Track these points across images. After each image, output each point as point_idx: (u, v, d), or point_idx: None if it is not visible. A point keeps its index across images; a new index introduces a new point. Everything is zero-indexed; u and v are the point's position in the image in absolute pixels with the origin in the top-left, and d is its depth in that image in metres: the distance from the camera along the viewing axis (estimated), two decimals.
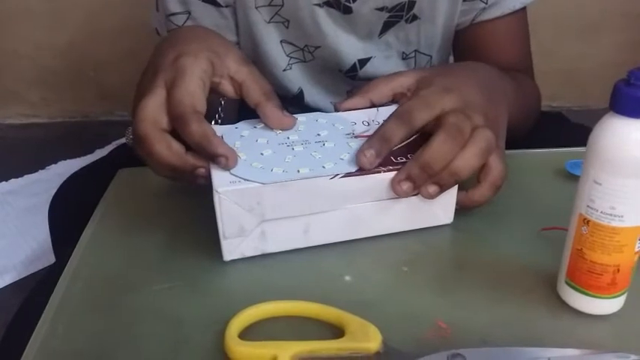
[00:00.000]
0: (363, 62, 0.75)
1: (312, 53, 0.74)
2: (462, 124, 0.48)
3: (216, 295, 0.47)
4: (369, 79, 0.76)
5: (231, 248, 0.48)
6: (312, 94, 0.79)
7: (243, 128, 0.53)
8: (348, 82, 0.77)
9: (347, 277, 0.48)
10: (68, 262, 0.50)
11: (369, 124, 0.53)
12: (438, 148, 0.47)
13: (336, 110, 0.55)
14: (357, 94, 0.56)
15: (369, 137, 0.49)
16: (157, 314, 0.44)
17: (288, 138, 0.51)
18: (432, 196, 0.49)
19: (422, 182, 0.48)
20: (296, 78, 0.77)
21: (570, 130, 0.77)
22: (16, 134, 1.95)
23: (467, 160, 0.48)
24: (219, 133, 0.52)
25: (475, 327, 0.43)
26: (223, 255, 0.48)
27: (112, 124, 1.98)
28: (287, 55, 0.74)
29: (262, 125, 0.53)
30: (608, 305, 0.43)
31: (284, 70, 0.75)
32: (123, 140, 0.59)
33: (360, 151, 0.48)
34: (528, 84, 0.74)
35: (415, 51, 0.76)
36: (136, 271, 0.49)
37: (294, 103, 0.78)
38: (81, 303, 0.46)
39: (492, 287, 0.46)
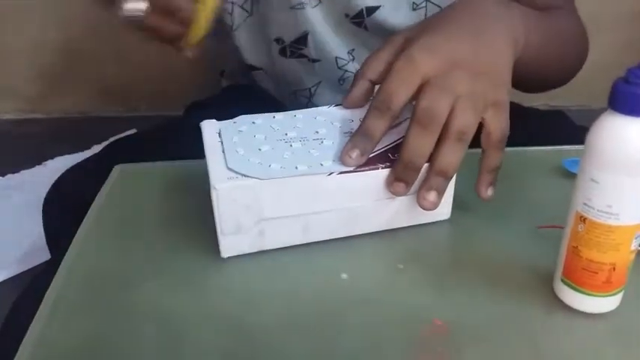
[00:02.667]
0: (371, 10, 0.73)
1: None
2: (434, 106, 0.46)
3: (213, 291, 0.46)
4: (375, 29, 0.75)
5: (229, 245, 0.48)
6: (315, 40, 0.77)
7: (242, 123, 0.53)
8: (353, 29, 0.76)
9: (343, 275, 0.48)
10: (64, 258, 0.50)
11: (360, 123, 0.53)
12: (413, 143, 0.47)
13: (346, 107, 0.54)
14: (354, 82, 0.54)
15: (352, 135, 0.49)
16: (154, 311, 0.44)
17: (287, 134, 0.51)
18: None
19: (411, 179, 0.48)
20: (302, 19, 0.75)
21: (571, 130, 0.76)
22: (13, 130, 1.94)
23: (445, 157, 0.47)
24: (217, 128, 0.52)
25: (471, 324, 0.43)
26: (221, 252, 0.48)
27: (109, 120, 1.97)
28: None
29: (261, 121, 0.53)
30: (603, 304, 0.43)
31: (291, 7, 0.74)
32: (119, 136, 0.59)
33: (344, 153, 0.48)
34: (564, 18, 0.68)
35: (426, 1, 0.74)
36: (132, 267, 0.49)
37: (297, 45, 0.77)
38: (77, 299, 0.46)
39: (488, 285, 0.46)
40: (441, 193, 0.49)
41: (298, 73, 0.81)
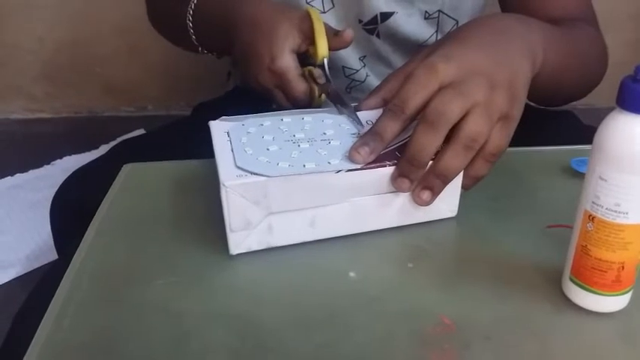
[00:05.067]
0: (385, 16, 0.73)
1: (332, 1, 0.73)
2: (445, 106, 0.46)
3: (222, 289, 0.47)
4: (387, 36, 0.75)
5: (238, 242, 0.48)
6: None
7: (250, 125, 0.53)
8: (365, 37, 0.76)
9: (352, 274, 0.48)
10: (74, 256, 0.50)
11: (372, 123, 0.53)
12: (418, 140, 0.47)
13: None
14: (368, 95, 0.55)
15: (363, 134, 0.49)
16: (163, 308, 0.45)
17: (294, 136, 0.52)
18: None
19: (415, 176, 0.48)
20: None
21: (580, 130, 0.75)
22: (20, 129, 1.95)
23: (448, 161, 0.47)
24: (225, 129, 0.52)
25: (479, 323, 0.43)
26: (230, 248, 0.48)
27: (117, 120, 1.98)
28: (307, 3, 0.73)
29: (269, 123, 0.53)
30: (612, 303, 0.43)
31: None
32: (127, 136, 0.60)
33: (353, 149, 0.48)
34: (583, 31, 0.67)
35: (439, 11, 0.74)
36: (141, 265, 0.49)
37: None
38: (87, 296, 0.46)
39: (497, 284, 0.46)
40: (436, 193, 0.49)
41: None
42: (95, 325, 0.43)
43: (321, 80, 0.62)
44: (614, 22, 1.89)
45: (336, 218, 0.49)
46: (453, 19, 0.75)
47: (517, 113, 0.50)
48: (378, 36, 0.75)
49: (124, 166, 0.62)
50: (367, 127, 0.51)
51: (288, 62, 0.60)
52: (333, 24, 0.74)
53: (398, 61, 0.79)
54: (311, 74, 0.62)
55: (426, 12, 0.75)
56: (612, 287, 0.42)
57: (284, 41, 0.60)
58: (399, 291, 0.46)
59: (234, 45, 0.64)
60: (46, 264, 1.32)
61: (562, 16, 0.66)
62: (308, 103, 0.62)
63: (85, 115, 2.03)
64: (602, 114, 0.40)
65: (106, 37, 1.91)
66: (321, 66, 0.62)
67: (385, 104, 0.53)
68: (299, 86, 0.61)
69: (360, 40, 0.76)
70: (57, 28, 1.91)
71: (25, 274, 1.32)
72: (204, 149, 0.52)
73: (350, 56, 0.77)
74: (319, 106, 0.61)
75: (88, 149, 1.72)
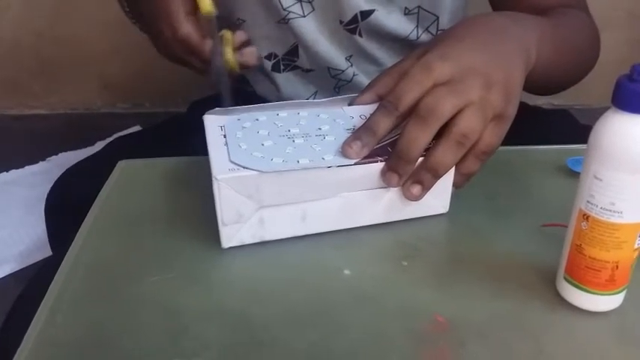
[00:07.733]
0: (365, 14, 0.73)
1: (311, 3, 0.73)
2: (437, 103, 0.46)
3: (216, 285, 0.47)
4: (370, 34, 0.75)
5: (230, 235, 0.48)
6: (307, 50, 0.77)
7: (246, 119, 0.53)
8: (347, 37, 0.75)
9: (346, 271, 0.48)
10: (68, 251, 0.50)
11: (367, 118, 0.53)
12: (408, 134, 0.47)
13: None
14: (361, 92, 0.55)
15: (356, 129, 0.49)
16: (156, 304, 0.44)
17: (289, 131, 0.51)
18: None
19: (404, 171, 0.48)
20: (291, 31, 0.75)
21: (576, 129, 0.75)
22: (17, 125, 1.95)
23: (439, 156, 0.47)
24: (220, 123, 0.52)
25: (473, 321, 0.43)
26: (222, 242, 0.48)
27: (113, 116, 1.98)
28: (284, 9, 0.73)
29: (265, 118, 0.53)
30: (606, 302, 0.43)
31: (278, 22, 0.74)
32: (122, 133, 0.60)
33: (346, 143, 0.48)
34: (576, 19, 0.68)
35: (418, 7, 0.74)
36: (135, 260, 0.49)
37: (289, 57, 0.78)
38: (80, 292, 0.46)
39: (491, 282, 0.46)
40: (426, 188, 0.49)
41: (294, 86, 0.81)
42: (88, 320, 0.43)
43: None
44: (612, 21, 1.89)
45: (327, 213, 0.49)
46: (433, 14, 0.75)
47: (512, 112, 0.50)
48: (360, 34, 0.75)
49: (119, 162, 0.62)
50: (360, 121, 0.51)
51: (187, 29, 0.62)
52: (313, 27, 0.75)
53: (384, 57, 0.78)
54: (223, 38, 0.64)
55: (406, 8, 0.74)
56: (606, 286, 0.42)
57: (177, 8, 0.62)
58: (394, 289, 0.46)
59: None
60: (40, 260, 1.31)
61: (552, 3, 0.66)
62: (222, 66, 0.64)
63: (81, 111, 2.02)
64: (598, 114, 0.40)
65: (104, 33, 1.90)
66: (211, 21, 0.63)
67: (379, 100, 0.53)
68: (205, 47, 0.63)
69: (342, 40, 0.76)
70: (55, 24, 1.90)
71: (19, 270, 1.31)
72: (199, 146, 0.52)
73: (336, 57, 0.77)
74: (236, 71, 0.65)
75: (84, 145, 1.71)
